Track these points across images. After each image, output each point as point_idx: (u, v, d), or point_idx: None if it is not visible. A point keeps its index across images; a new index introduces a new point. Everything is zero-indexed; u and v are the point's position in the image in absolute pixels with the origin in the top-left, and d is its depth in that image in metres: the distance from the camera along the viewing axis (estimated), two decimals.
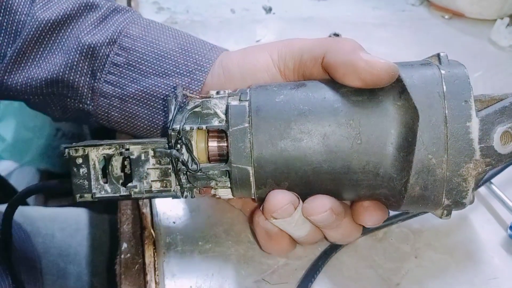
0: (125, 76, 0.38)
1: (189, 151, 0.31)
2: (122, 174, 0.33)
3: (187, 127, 0.31)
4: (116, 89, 0.38)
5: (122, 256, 0.38)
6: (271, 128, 0.30)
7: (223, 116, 0.31)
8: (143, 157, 0.32)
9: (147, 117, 0.38)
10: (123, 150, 0.32)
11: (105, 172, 0.33)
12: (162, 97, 0.38)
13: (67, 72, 0.38)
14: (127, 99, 0.38)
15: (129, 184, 0.33)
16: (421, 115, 0.28)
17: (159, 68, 0.38)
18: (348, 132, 0.29)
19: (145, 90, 0.38)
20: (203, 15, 0.66)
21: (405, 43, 0.63)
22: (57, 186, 0.35)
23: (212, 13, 0.66)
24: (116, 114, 0.39)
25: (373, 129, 0.29)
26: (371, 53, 0.30)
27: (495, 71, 0.57)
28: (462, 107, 0.28)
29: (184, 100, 0.33)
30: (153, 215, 0.40)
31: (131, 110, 0.38)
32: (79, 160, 0.32)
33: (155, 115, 0.38)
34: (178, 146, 0.31)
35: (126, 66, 0.38)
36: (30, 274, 0.54)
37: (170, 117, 0.31)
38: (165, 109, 0.37)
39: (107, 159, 0.33)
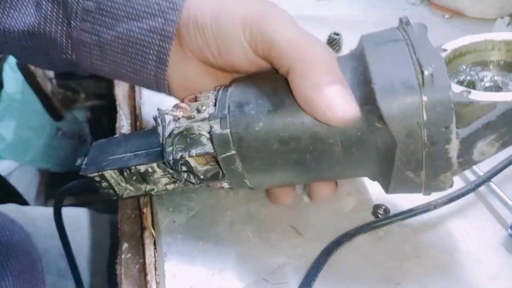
0: (99, 22, 0.36)
1: (189, 171, 0.34)
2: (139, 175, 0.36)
3: (178, 156, 0.33)
4: (93, 36, 0.36)
5: (123, 256, 0.38)
6: (256, 158, 0.31)
7: (208, 135, 0.32)
8: (150, 170, 0.35)
9: (129, 64, 0.37)
10: (129, 171, 0.36)
11: (123, 175, 0.36)
12: (139, 42, 0.36)
13: (42, 23, 0.37)
14: (105, 46, 0.37)
15: (147, 189, 0.37)
16: (399, 143, 0.28)
17: (131, 10, 0.36)
18: (332, 149, 0.30)
19: (120, 36, 0.36)
20: None
21: None
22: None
23: None
24: (98, 63, 0.38)
25: (355, 147, 0.30)
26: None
27: None
28: (442, 133, 0.27)
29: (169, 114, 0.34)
30: (153, 215, 0.40)
31: (112, 58, 0.37)
32: (97, 178, 0.36)
33: (136, 62, 0.37)
34: (177, 170, 0.33)
35: (98, 11, 0.36)
36: (30, 274, 0.54)
37: (161, 141, 0.33)
38: (145, 55, 0.36)
39: (120, 171, 0.36)
